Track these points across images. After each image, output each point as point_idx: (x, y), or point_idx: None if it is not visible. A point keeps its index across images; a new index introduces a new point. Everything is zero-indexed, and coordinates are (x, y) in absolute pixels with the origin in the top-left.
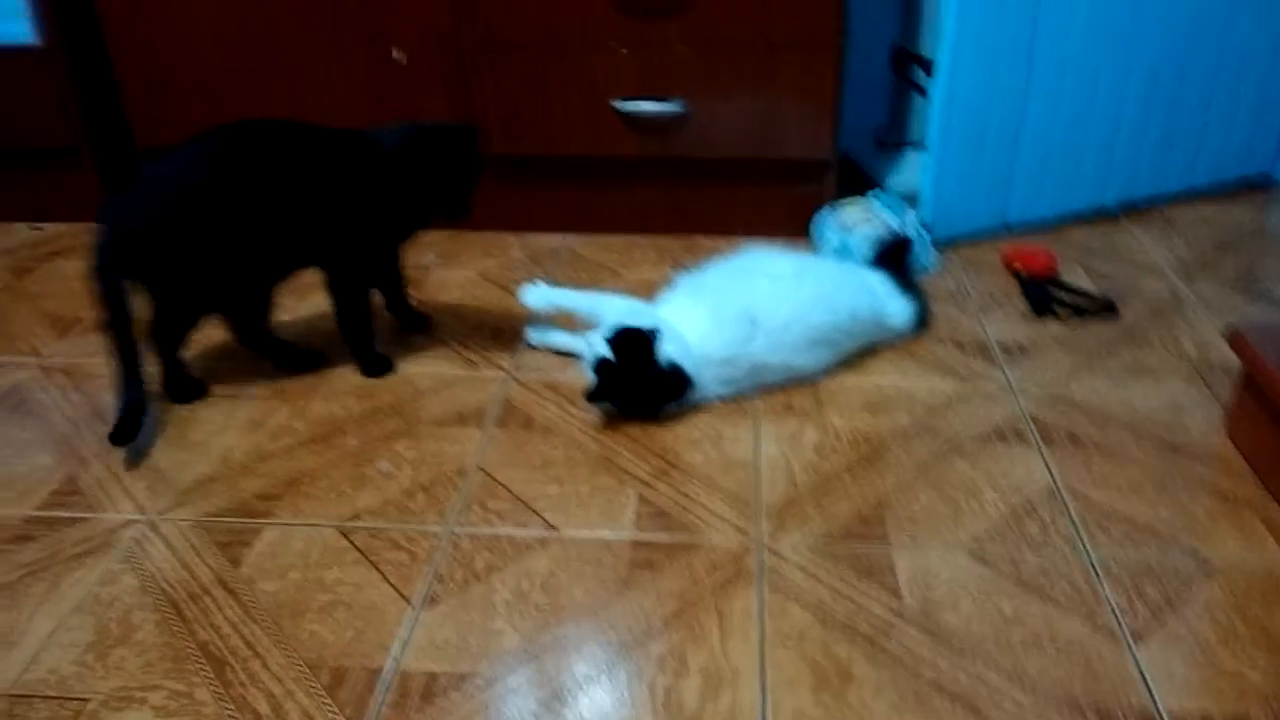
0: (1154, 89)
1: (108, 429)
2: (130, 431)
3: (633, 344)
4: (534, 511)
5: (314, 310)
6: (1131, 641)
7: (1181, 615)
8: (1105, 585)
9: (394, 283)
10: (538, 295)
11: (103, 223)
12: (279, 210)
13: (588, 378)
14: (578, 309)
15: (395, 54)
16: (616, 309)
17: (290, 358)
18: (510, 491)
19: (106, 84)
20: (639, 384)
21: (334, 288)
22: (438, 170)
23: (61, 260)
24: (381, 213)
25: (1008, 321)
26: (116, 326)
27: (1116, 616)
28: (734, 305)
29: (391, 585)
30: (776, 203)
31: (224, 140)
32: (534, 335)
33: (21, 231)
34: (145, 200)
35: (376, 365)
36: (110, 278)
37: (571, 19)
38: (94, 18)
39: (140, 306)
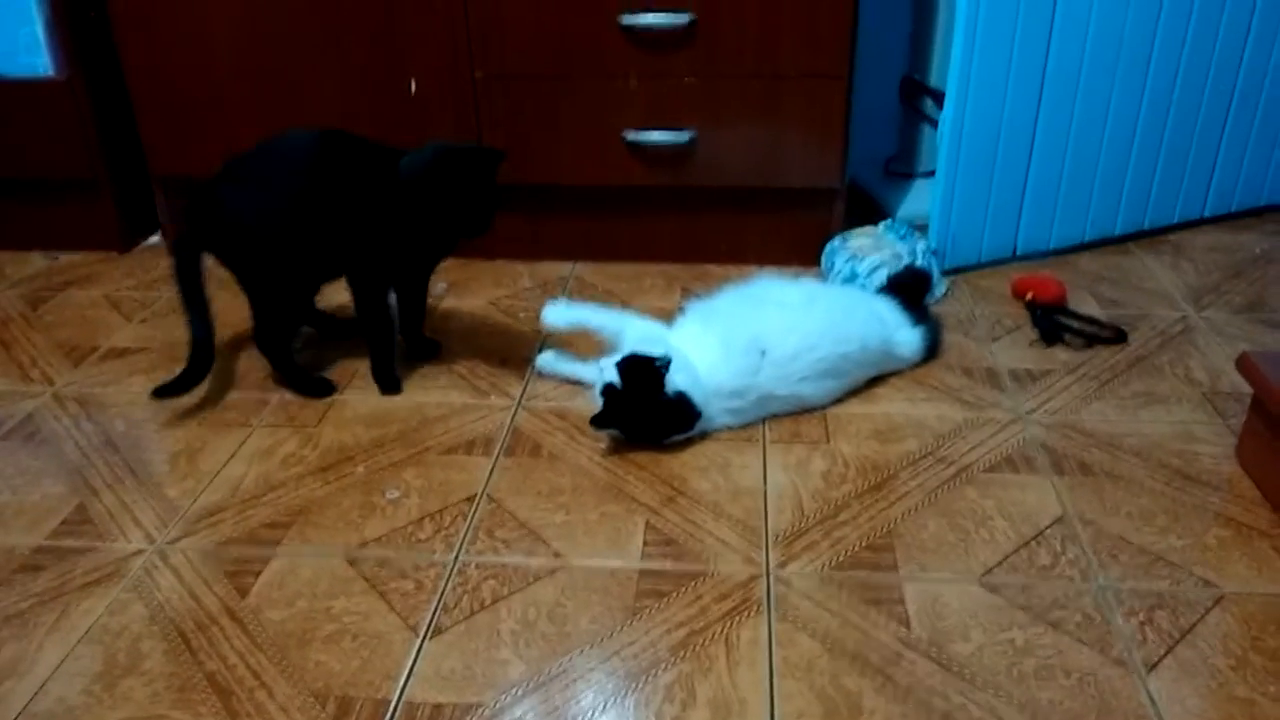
0: (1163, 119)
1: (120, 456)
2: (187, 382)
3: (641, 372)
4: (541, 539)
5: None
6: (1144, 671)
7: (1194, 644)
8: (1117, 615)
9: (415, 307)
10: (558, 313)
11: (198, 195)
12: (327, 216)
13: (596, 403)
14: (597, 325)
15: (413, 88)
16: (635, 328)
17: (299, 381)
18: (517, 519)
19: (123, 115)
20: (645, 412)
21: (357, 301)
22: (458, 194)
23: (76, 289)
24: (401, 232)
25: (1017, 349)
26: (187, 287)
27: (1128, 646)
28: (743, 335)
29: (398, 614)
30: (786, 231)
31: (312, 144)
32: (543, 363)
33: (37, 261)
34: (236, 181)
35: (390, 383)
36: (192, 244)
37: (582, 50)
38: (112, 50)
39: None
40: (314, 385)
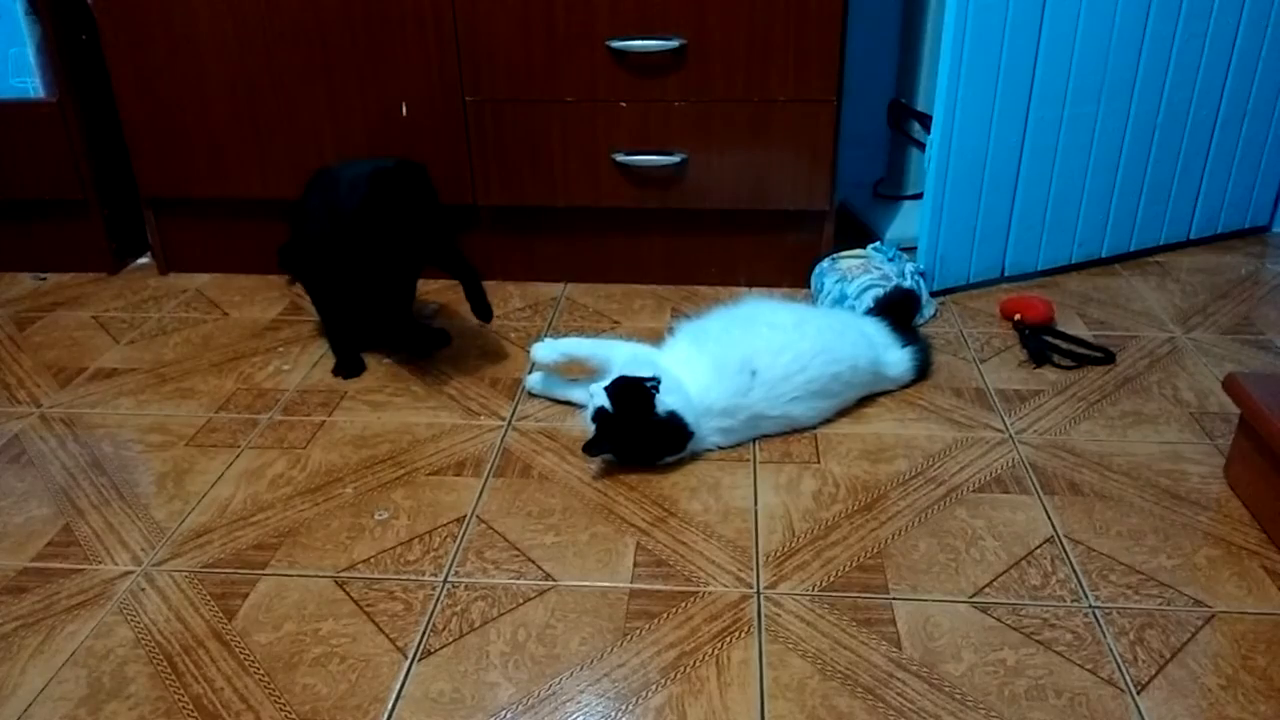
0: (1149, 141)
1: (107, 478)
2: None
3: (632, 394)
4: (531, 561)
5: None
6: (1134, 691)
7: (1184, 664)
8: (1108, 634)
9: (464, 278)
10: (547, 350)
11: None
12: None
13: (587, 427)
14: (586, 354)
15: (404, 111)
16: (624, 354)
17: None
18: (507, 540)
19: (113, 137)
20: (638, 434)
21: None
22: (395, 232)
23: (64, 310)
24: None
25: (1006, 370)
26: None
27: (1119, 666)
28: (734, 356)
29: (387, 637)
30: (775, 253)
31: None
32: (533, 384)
33: (25, 281)
34: None
35: (345, 367)
36: None
37: (572, 74)
38: (102, 72)
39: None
40: (351, 365)
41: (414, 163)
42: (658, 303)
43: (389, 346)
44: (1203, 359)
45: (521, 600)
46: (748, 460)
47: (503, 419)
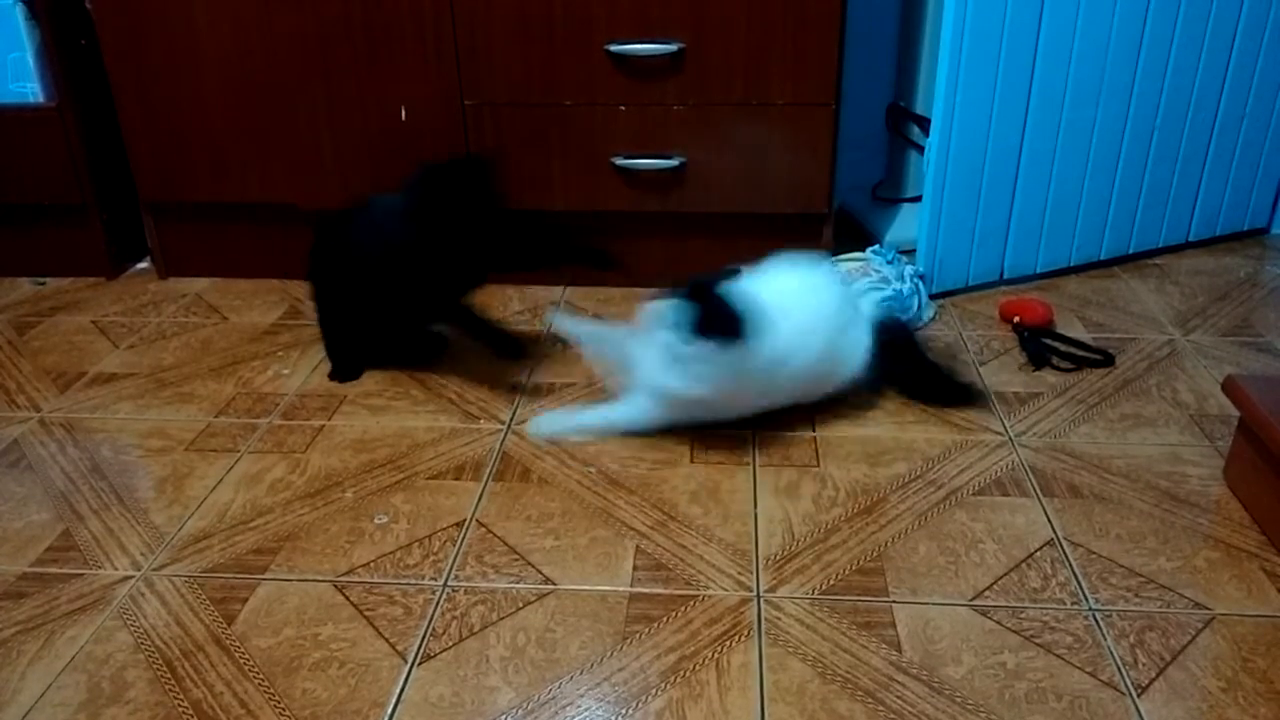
0: (1147, 143)
1: (106, 482)
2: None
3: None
4: (531, 565)
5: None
6: (1135, 694)
7: (1184, 666)
8: (1108, 637)
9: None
10: (548, 424)
11: None
12: None
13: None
14: (597, 340)
15: (403, 116)
16: (634, 345)
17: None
18: (507, 544)
19: (113, 141)
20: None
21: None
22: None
23: (64, 315)
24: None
25: (1005, 372)
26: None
27: (1119, 669)
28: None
29: (386, 641)
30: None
31: None
32: (558, 320)
33: (24, 286)
34: None
35: (341, 372)
36: None
37: (570, 78)
38: (102, 77)
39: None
40: (347, 369)
41: (473, 160)
42: None
43: (393, 360)
44: (1202, 361)
45: (521, 604)
46: (747, 464)
47: (502, 423)
